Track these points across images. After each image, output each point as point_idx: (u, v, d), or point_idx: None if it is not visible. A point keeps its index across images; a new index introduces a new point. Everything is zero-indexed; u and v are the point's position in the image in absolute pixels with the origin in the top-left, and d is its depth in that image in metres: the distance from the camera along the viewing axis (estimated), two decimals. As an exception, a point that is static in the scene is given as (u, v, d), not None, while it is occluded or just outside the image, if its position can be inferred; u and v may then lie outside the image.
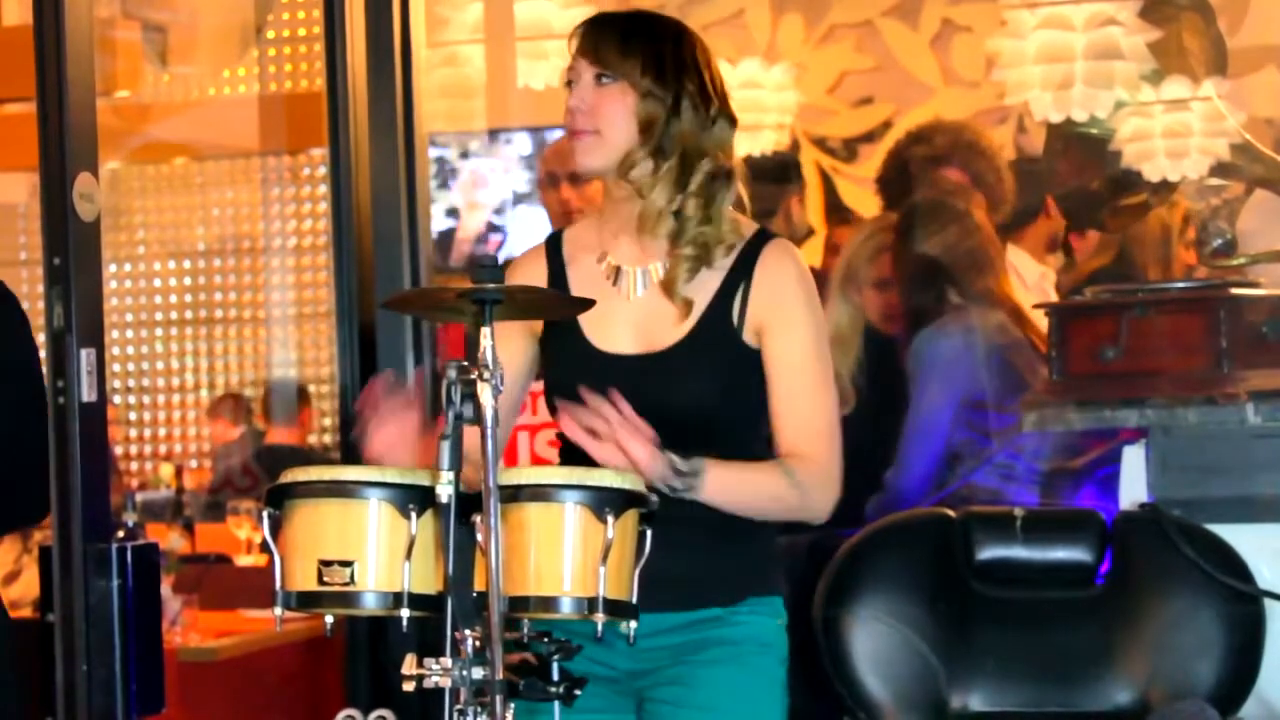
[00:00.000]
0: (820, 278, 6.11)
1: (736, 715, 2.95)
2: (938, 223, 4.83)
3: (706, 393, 2.94)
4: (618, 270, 3.02)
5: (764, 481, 2.92)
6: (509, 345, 2.92)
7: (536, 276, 3.02)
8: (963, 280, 4.72)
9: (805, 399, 2.96)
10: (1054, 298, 5.35)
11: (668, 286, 2.97)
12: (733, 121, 3.03)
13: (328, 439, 8.30)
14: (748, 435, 2.98)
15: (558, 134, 3.17)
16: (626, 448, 2.76)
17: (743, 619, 2.98)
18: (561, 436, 2.93)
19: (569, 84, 3.02)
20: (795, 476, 2.92)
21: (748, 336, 2.97)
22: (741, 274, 2.97)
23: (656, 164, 2.96)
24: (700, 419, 2.92)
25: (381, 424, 2.87)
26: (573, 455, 2.88)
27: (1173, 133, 5.28)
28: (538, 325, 3.03)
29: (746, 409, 2.98)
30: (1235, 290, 4.20)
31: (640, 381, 2.91)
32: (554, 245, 3.10)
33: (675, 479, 2.80)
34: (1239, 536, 3.89)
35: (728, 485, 2.87)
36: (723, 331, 2.97)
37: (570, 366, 2.98)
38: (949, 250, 4.76)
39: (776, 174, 6.34)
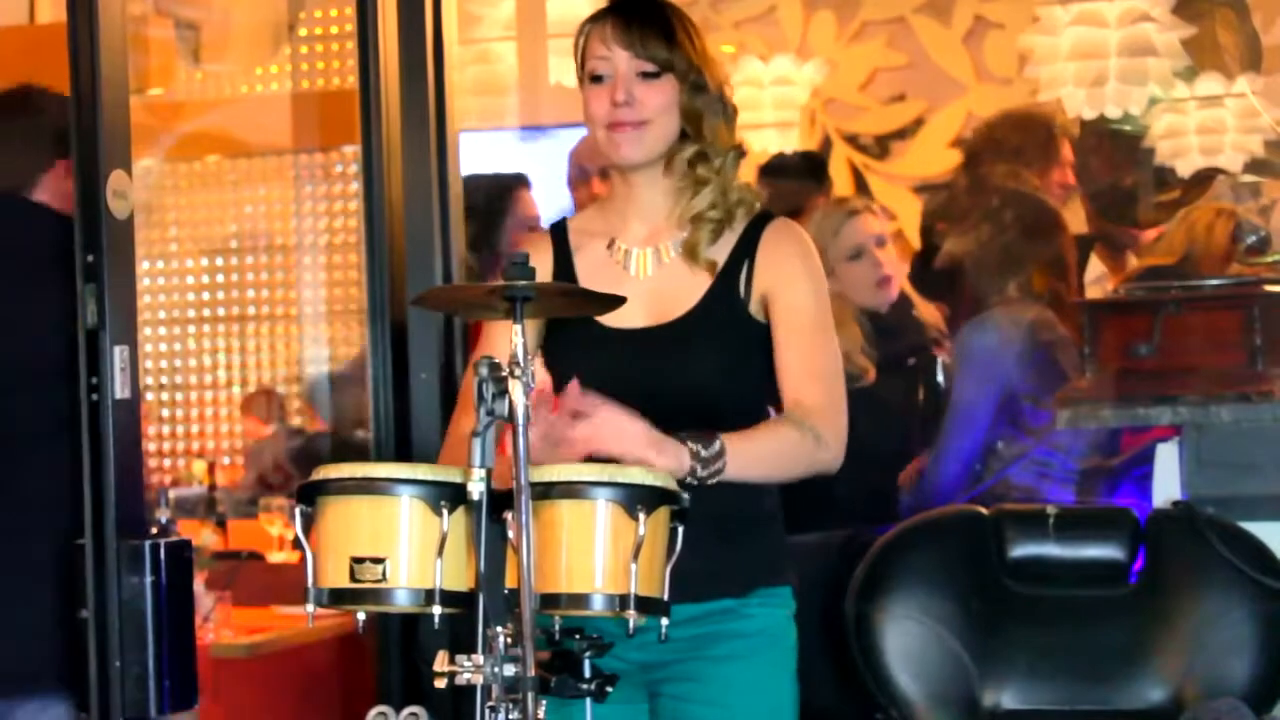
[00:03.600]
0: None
1: (750, 709, 2.97)
2: (968, 220, 4.82)
3: (713, 362, 2.96)
4: (628, 254, 3.03)
5: (779, 440, 2.90)
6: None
7: (541, 264, 2.97)
8: (997, 277, 4.71)
9: (803, 343, 2.97)
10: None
11: (691, 251, 2.99)
12: (735, 108, 3.10)
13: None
14: (753, 411, 2.97)
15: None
16: (620, 438, 2.73)
17: (754, 611, 2.99)
18: None
19: (598, 78, 3.01)
20: (804, 424, 2.90)
21: (754, 309, 2.99)
22: (746, 250, 3.02)
23: (702, 162, 2.98)
24: (707, 390, 2.92)
25: None
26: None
27: (1207, 129, 5.26)
28: None
29: (751, 383, 3.00)
30: (1269, 287, 4.18)
31: (648, 353, 2.92)
32: (559, 234, 3.11)
33: (699, 468, 2.79)
34: (1273, 534, 3.88)
35: (749, 458, 2.85)
36: (730, 303, 2.99)
37: (576, 343, 2.98)
38: (982, 247, 4.75)
39: (804, 173, 6.33)
